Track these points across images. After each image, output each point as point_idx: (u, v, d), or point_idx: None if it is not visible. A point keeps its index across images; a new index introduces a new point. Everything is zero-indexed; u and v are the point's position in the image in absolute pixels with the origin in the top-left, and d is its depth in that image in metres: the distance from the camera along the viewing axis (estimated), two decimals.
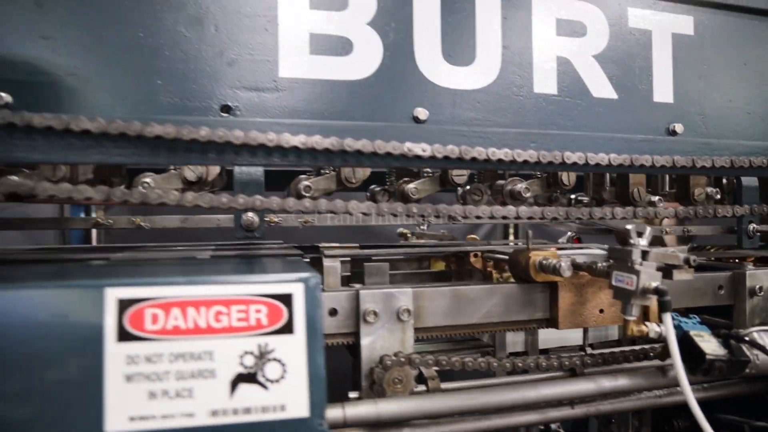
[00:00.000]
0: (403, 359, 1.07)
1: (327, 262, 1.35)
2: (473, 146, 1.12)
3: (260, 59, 1.22)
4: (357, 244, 1.53)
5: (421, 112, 1.29)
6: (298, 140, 1.04)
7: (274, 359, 0.84)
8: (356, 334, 1.11)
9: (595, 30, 1.45)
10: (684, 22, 1.54)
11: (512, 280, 1.49)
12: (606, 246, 1.70)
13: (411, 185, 1.36)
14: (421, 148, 1.10)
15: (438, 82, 1.33)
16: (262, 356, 0.83)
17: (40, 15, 1.13)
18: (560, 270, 1.12)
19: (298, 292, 0.86)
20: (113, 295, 0.79)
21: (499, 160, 1.14)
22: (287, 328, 0.85)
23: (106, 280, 0.80)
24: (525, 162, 1.16)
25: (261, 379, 0.82)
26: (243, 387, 0.82)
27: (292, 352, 0.84)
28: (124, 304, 0.79)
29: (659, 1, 1.51)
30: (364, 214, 1.04)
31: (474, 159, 1.11)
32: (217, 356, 0.82)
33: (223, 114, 1.20)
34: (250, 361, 0.83)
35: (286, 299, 0.85)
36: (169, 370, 0.80)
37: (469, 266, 1.71)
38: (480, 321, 1.22)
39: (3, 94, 1.10)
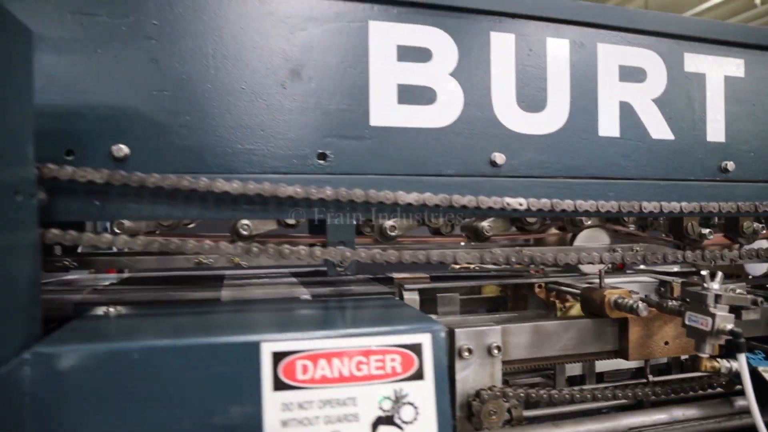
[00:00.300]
0: (498, 393, 1.17)
1: (407, 295, 1.44)
2: (563, 199, 1.22)
3: (353, 109, 1.31)
4: (427, 275, 1.62)
5: (499, 157, 1.38)
6: (412, 198, 1.13)
7: (408, 403, 0.93)
8: (451, 368, 1.20)
9: (655, 75, 1.54)
10: (736, 65, 1.63)
11: (574, 311, 1.59)
12: (653, 276, 1.81)
13: (484, 223, 1.45)
14: (518, 202, 1.19)
15: (513, 128, 1.42)
16: (398, 400, 0.92)
17: (156, 70, 1.21)
18: (638, 310, 1.22)
19: (426, 342, 0.95)
20: (268, 349, 0.88)
21: (585, 211, 1.23)
22: (418, 375, 0.94)
23: (260, 335, 0.90)
24: (608, 212, 1.25)
25: (397, 421, 0.92)
26: (382, 429, 0.91)
27: (423, 396, 0.94)
28: (277, 357, 0.88)
29: (713, 46, 1.60)
30: (469, 264, 1.13)
31: (563, 210, 1.20)
32: (360, 401, 0.91)
33: (319, 161, 1.29)
34: (387, 405, 0.92)
35: (417, 348, 0.95)
36: (319, 415, 0.89)
37: (524, 292, 1.81)
38: (557, 354, 1.32)
39: (122, 146, 1.19)
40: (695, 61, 1.58)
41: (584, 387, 1.29)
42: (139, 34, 1.21)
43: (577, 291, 1.43)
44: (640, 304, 1.22)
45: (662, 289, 1.69)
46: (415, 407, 0.93)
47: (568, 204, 1.21)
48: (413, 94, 1.34)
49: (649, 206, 1.28)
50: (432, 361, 0.95)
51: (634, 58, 1.52)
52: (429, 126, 1.36)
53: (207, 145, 1.24)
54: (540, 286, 1.61)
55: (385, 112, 1.33)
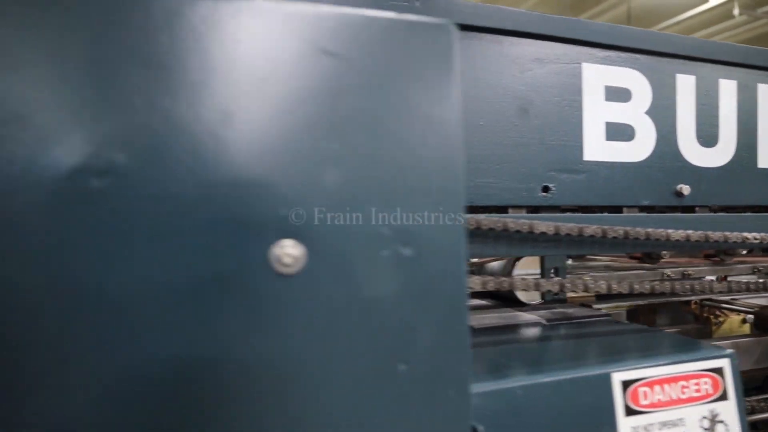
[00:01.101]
0: None
1: None
2: (750, 232, 1.38)
3: (570, 145, 1.41)
4: (591, 294, 1.74)
5: (685, 189, 1.52)
6: (680, 234, 1.25)
7: (720, 421, 1.04)
8: None
9: None
10: None
11: (725, 326, 1.75)
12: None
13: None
14: (743, 236, 1.33)
15: (693, 161, 1.56)
16: (713, 419, 1.04)
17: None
18: None
19: (727, 365, 1.07)
20: (617, 378, 0.98)
21: None
22: (723, 396, 1.06)
23: (609, 366, 0.99)
24: None
25: None
26: None
27: (730, 414, 1.05)
28: (625, 385, 0.98)
29: None
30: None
31: (760, 241, 1.36)
32: (686, 422, 1.02)
33: (543, 194, 1.38)
34: (706, 423, 1.03)
35: (720, 372, 1.06)
36: None
37: (654, 306, 1.97)
38: (750, 367, 1.47)
39: None
40: None
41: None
42: None
43: (747, 309, 1.59)
44: None
45: None
46: (726, 425, 1.04)
47: (763, 237, 1.37)
48: (617, 131, 1.46)
49: None
50: (732, 383, 1.07)
51: None
52: (629, 161, 1.48)
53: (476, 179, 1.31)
54: (695, 303, 1.76)
55: (596, 147, 1.44)
